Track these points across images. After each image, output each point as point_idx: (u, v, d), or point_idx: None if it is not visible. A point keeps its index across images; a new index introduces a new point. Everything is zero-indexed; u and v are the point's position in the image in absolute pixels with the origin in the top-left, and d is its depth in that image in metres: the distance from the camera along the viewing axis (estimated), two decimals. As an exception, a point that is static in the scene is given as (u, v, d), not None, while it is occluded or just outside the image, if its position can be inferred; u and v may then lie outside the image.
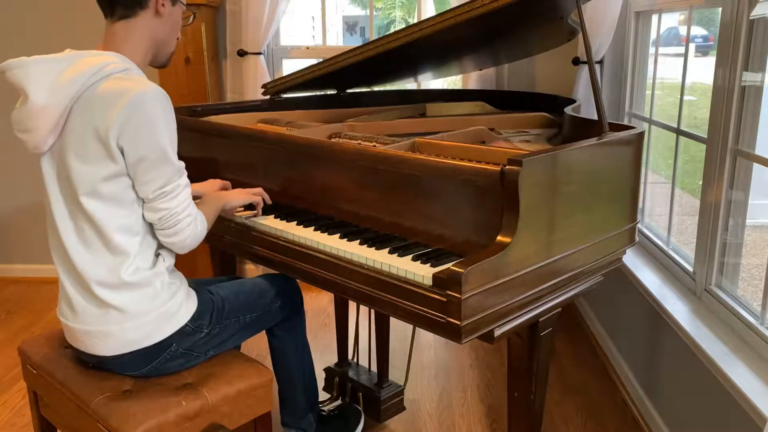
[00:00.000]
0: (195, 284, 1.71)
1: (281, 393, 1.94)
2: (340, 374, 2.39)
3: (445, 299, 1.26)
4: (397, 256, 1.43)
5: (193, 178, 2.15)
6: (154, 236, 1.53)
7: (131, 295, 1.49)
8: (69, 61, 1.43)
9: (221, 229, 1.85)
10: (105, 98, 1.40)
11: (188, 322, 1.58)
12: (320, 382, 2.23)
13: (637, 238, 1.72)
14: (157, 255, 1.55)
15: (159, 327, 1.53)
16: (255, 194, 1.78)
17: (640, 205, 2.42)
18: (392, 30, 2.23)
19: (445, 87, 3.85)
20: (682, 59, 2.31)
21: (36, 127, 1.43)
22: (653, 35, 2.74)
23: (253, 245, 1.76)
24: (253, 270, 3.62)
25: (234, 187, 1.92)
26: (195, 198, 1.83)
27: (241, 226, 1.79)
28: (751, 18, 1.81)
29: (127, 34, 1.51)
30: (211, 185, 1.86)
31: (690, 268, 2.15)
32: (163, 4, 1.52)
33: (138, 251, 1.49)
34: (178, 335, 1.56)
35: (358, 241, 1.54)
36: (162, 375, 1.60)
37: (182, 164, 1.50)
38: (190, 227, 1.52)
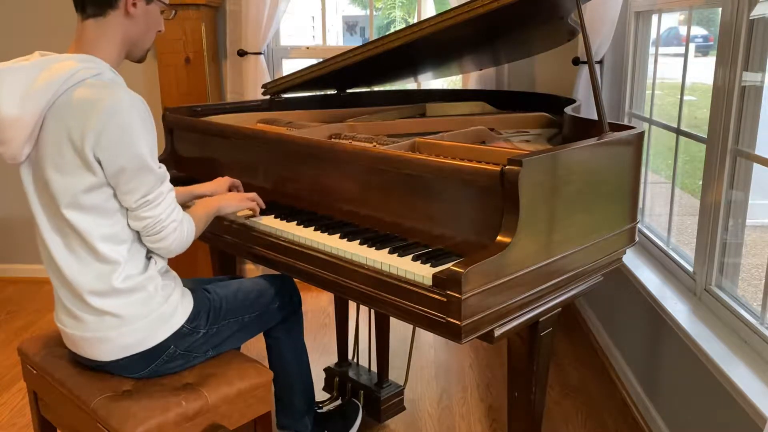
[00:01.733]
0: (193, 284, 1.71)
1: (278, 394, 1.93)
2: (340, 374, 2.39)
3: (445, 299, 1.26)
4: (397, 256, 1.43)
5: (193, 178, 2.15)
6: (142, 242, 1.52)
7: (125, 300, 1.48)
8: (39, 68, 1.39)
9: (221, 229, 1.85)
10: (78, 108, 1.36)
11: (184, 323, 1.57)
12: (320, 382, 2.24)
13: (637, 238, 1.72)
14: (148, 258, 1.54)
15: (155, 330, 1.52)
16: (250, 200, 1.77)
17: (640, 205, 2.42)
18: (392, 30, 2.22)
19: (445, 87, 3.85)
20: (682, 59, 2.31)
21: (11, 138, 1.39)
22: (653, 35, 2.74)
23: (253, 245, 1.76)
24: (253, 270, 3.62)
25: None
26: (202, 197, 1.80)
27: (241, 226, 1.79)
28: (751, 18, 1.81)
29: (97, 33, 1.46)
30: (219, 184, 1.85)
31: (690, 268, 2.15)
32: (134, 4, 1.46)
33: (127, 259, 1.48)
34: (175, 337, 1.56)
35: (358, 240, 1.54)
36: (162, 376, 1.60)
37: (164, 170, 1.48)
38: (176, 232, 1.50)
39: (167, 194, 1.48)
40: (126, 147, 1.37)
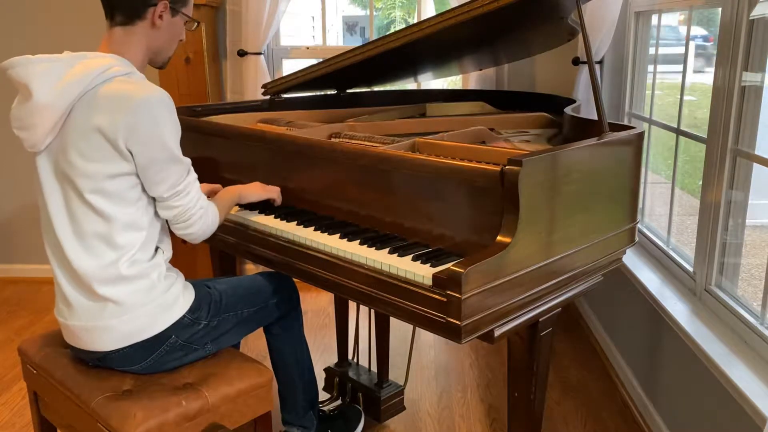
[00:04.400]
0: (194, 281, 1.72)
1: (281, 391, 1.95)
2: (340, 374, 2.39)
3: (445, 299, 1.26)
4: (397, 256, 1.43)
5: (193, 178, 2.15)
6: (156, 231, 1.57)
7: (128, 287, 1.50)
8: (73, 62, 1.46)
9: (221, 229, 1.85)
10: (110, 101, 1.43)
11: (186, 313, 1.59)
12: (320, 382, 2.23)
13: (637, 238, 1.72)
14: (156, 248, 1.57)
15: (157, 318, 1.54)
16: (273, 191, 1.83)
17: (640, 205, 2.42)
18: (392, 30, 2.22)
19: (445, 87, 3.85)
20: (682, 59, 2.31)
21: (37, 124, 1.44)
22: (653, 35, 2.74)
23: (253, 245, 1.76)
24: (253, 270, 3.62)
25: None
26: None
27: (240, 226, 1.79)
28: (751, 18, 1.81)
29: (124, 39, 1.54)
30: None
31: (690, 268, 2.15)
32: (160, 17, 1.54)
33: (141, 245, 1.52)
34: (177, 326, 1.57)
35: (358, 241, 1.54)
36: (162, 371, 1.61)
37: (189, 161, 1.55)
38: (202, 219, 1.57)
39: (194, 183, 1.56)
40: (157, 139, 1.45)
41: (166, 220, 1.58)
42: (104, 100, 1.43)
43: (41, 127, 1.45)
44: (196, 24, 1.69)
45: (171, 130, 1.47)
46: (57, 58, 1.47)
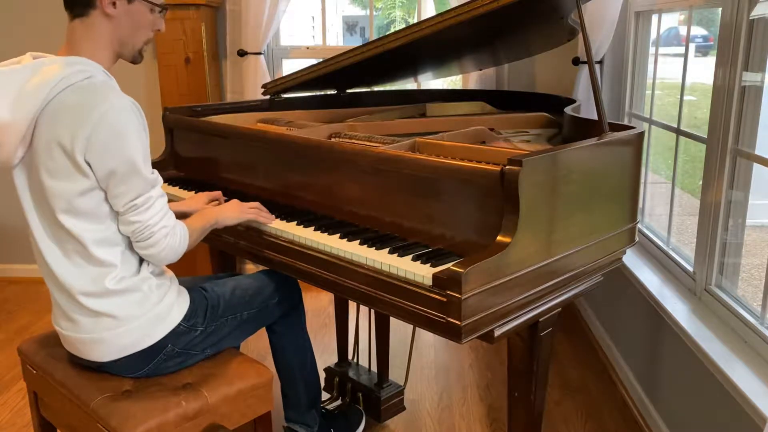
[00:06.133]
0: (190, 282, 1.71)
1: (283, 389, 1.94)
2: (340, 374, 2.39)
3: (445, 299, 1.26)
4: (397, 256, 1.43)
5: (194, 178, 2.15)
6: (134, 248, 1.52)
7: (119, 301, 1.48)
8: (30, 72, 1.38)
9: (220, 229, 1.84)
10: (69, 112, 1.36)
11: (181, 321, 1.57)
12: (321, 383, 2.23)
13: (637, 238, 1.72)
14: (140, 261, 1.53)
15: (152, 330, 1.52)
16: (251, 211, 1.73)
17: (640, 205, 2.42)
18: (392, 30, 2.22)
19: (445, 87, 3.85)
20: (682, 59, 2.31)
21: (4, 142, 1.39)
22: (653, 35, 2.74)
23: (253, 245, 1.76)
24: (253, 270, 3.62)
25: (229, 190, 1.91)
26: (182, 215, 1.71)
27: (240, 225, 1.79)
28: (751, 18, 1.81)
29: (84, 33, 1.45)
30: (197, 201, 1.84)
31: (690, 268, 2.15)
32: (113, 4, 1.43)
33: (121, 261, 1.47)
34: (173, 336, 1.56)
35: (358, 241, 1.54)
36: (162, 375, 1.60)
37: (156, 176, 1.47)
38: (167, 239, 1.47)
39: (157, 199, 1.46)
40: (116, 151, 1.37)
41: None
42: (63, 112, 1.36)
43: (8, 145, 1.39)
44: (164, 10, 1.55)
45: (134, 140, 1.38)
46: (12, 69, 1.39)
